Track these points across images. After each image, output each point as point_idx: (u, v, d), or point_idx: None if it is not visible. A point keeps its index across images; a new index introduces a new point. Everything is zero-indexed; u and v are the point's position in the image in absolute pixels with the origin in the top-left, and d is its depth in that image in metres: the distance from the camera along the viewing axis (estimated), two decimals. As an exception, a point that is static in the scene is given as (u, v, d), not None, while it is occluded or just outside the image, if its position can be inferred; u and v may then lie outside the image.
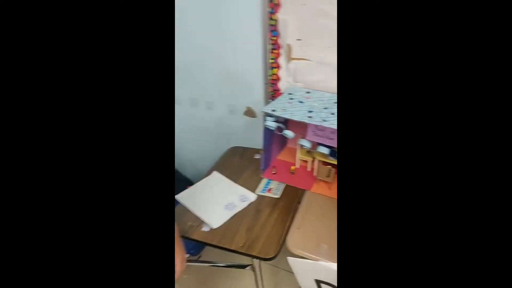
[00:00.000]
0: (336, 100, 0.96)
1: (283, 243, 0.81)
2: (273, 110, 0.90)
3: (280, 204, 0.93)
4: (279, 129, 0.92)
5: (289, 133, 0.91)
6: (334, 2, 0.90)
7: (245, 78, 1.13)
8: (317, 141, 0.89)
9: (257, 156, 1.14)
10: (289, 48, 1.03)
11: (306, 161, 1.05)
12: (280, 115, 0.88)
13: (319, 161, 0.99)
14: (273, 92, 1.13)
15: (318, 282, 0.83)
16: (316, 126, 0.84)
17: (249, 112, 1.16)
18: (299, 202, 0.94)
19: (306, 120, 0.84)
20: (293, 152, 1.10)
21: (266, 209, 0.92)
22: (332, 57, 0.99)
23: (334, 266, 0.75)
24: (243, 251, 0.81)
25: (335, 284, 0.79)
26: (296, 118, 0.86)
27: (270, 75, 1.10)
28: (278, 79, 1.10)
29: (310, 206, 0.91)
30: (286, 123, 1.00)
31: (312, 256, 0.77)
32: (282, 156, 1.13)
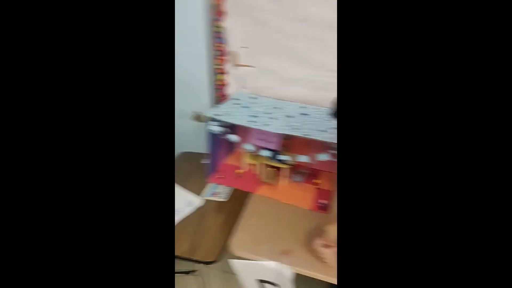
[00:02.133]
0: (276, 106, 1.01)
1: (226, 246, 0.82)
2: (217, 115, 0.92)
3: (226, 207, 0.95)
4: (224, 134, 0.94)
5: (233, 137, 0.93)
6: (277, 12, 0.95)
7: (192, 83, 1.14)
8: (259, 144, 0.93)
9: (205, 161, 1.14)
10: (234, 55, 1.06)
11: (253, 165, 1.08)
12: (224, 120, 0.90)
13: (264, 164, 1.02)
14: (220, 97, 1.14)
15: (261, 281, 0.85)
16: (258, 130, 0.87)
17: (197, 117, 1.17)
18: (245, 204, 0.96)
19: (249, 125, 0.87)
20: (241, 156, 1.12)
21: (211, 213, 0.93)
22: (276, 65, 1.04)
23: (273, 264, 0.77)
24: (185, 256, 0.80)
25: (277, 282, 0.81)
26: (239, 122, 0.89)
27: (217, 81, 1.12)
28: (225, 84, 1.12)
29: (255, 208, 0.93)
30: (232, 127, 1.03)
31: (253, 256, 0.79)
32: (231, 160, 1.15)
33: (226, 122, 0.91)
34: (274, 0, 0.94)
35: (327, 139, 0.80)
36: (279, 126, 0.87)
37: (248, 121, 0.89)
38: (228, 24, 1.01)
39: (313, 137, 0.81)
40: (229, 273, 1.32)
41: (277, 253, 0.78)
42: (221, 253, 0.81)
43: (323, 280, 0.75)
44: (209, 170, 1.03)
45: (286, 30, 0.97)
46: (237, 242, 0.82)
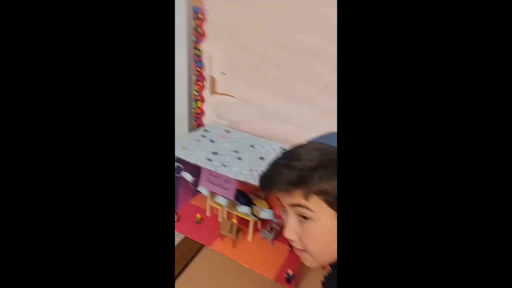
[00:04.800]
0: (252, 143, 0.84)
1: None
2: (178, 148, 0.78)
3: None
4: (177, 170, 0.79)
5: (186, 176, 0.77)
6: (261, 38, 0.81)
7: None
8: (209, 188, 0.76)
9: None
10: (212, 81, 0.93)
11: (217, 209, 0.90)
12: (176, 154, 0.75)
13: (228, 212, 0.84)
14: (197, 126, 1.01)
15: None
16: (210, 171, 0.71)
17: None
18: (193, 258, 0.78)
19: (201, 164, 0.71)
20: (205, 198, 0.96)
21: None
22: (258, 97, 0.89)
23: None
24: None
25: None
26: (190, 159, 0.73)
27: (195, 108, 0.99)
28: (202, 113, 0.99)
29: (202, 266, 0.75)
30: (188, 164, 0.88)
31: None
32: (197, 201, 0.99)
33: (179, 158, 0.76)
34: (257, 23, 0.81)
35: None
36: (238, 170, 0.70)
37: (204, 159, 0.73)
38: (207, 47, 0.90)
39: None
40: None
41: None
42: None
43: None
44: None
45: (270, 57, 0.83)
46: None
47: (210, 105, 0.96)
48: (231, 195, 0.72)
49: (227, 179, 0.72)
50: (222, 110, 0.95)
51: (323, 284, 0.54)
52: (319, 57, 0.77)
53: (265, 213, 0.69)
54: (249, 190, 0.83)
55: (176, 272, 0.71)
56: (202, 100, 0.97)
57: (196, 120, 1.01)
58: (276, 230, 0.83)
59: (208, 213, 0.91)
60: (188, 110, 1.00)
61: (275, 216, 0.70)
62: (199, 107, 0.98)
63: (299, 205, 0.43)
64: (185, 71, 0.95)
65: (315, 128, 0.84)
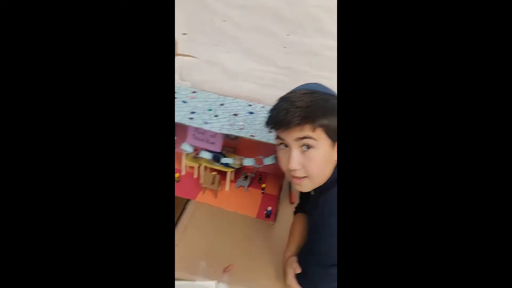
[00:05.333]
0: (221, 102, 0.91)
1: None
2: (149, 110, 0.78)
3: (159, 217, 0.81)
4: (157, 132, 0.81)
5: (168, 137, 0.80)
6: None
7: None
8: (197, 145, 0.81)
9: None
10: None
11: (193, 168, 0.96)
12: (156, 116, 0.77)
13: (205, 167, 0.91)
14: (157, 90, 1.00)
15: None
16: (196, 129, 0.76)
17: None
18: (181, 214, 0.83)
19: (186, 122, 0.75)
20: (179, 158, 0.99)
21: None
22: (221, 57, 0.93)
23: (211, 285, 0.67)
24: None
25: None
26: (175, 119, 0.76)
27: (153, 71, 0.97)
28: (162, 76, 0.98)
29: (192, 218, 0.82)
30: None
31: (188, 276, 0.68)
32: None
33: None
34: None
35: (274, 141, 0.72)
36: (221, 125, 0.77)
37: (186, 118, 0.77)
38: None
39: (259, 139, 0.73)
40: None
41: (219, 270, 0.68)
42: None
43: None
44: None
45: (232, 18, 0.87)
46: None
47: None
48: (218, 147, 0.79)
49: (213, 134, 0.78)
50: (183, 72, 0.96)
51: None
52: (280, 19, 0.86)
53: (248, 161, 0.79)
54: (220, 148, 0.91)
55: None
56: (162, 62, 0.96)
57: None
58: (250, 177, 0.94)
59: (183, 172, 0.96)
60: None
61: (256, 162, 0.80)
62: (158, 70, 0.97)
63: (306, 137, 0.54)
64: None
65: (277, 86, 0.96)
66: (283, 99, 0.58)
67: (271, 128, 0.58)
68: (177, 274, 0.68)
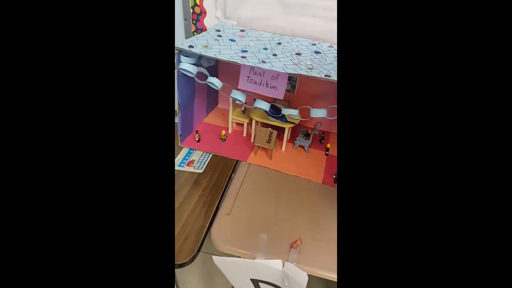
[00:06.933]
0: (279, 41, 0.72)
1: (203, 239, 0.56)
2: (191, 47, 0.62)
3: (204, 181, 0.68)
4: (201, 76, 0.64)
5: (215, 82, 0.63)
6: None
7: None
8: (252, 90, 0.64)
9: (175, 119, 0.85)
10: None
11: (242, 125, 0.80)
12: (201, 53, 0.60)
13: (257, 122, 0.75)
14: (196, 31, 0.84)
15: (256, 281, 0.62)
16: (252, 69, 0.59)
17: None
18: (230, 178, 0.69)
19: (238, 61, 0.58)
20: (225, 114, 0.84)
21: (184, 188, 0.66)
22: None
23: (278, 263, 0.53)
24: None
25: (277, 283, 0.58)
26: (223, 57, 0.59)
27: (192, 7, 0.80)
28: (203, 13, 0.81)
29: (245, 182, 0.67)
30: (212, 69, 0.73)
31: (245, 252, 0.54)
32: (211, 119, 0.87)
33: (205, 59, 0.62)
34: None
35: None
36: (284, 65, 0.59)
37: (237, 57, 0.60)
38: None
39: (336, 80, 0.54)
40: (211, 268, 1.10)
41: (284, 245, 0.54)
42: (194, 252, 0.54)
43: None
44: (180, 131, 0.74)
45: None
46: (221, 232, 0.57)
47: (215, 2, 0.78)
48: (281, 94, 0.62)
49: (274, 75, 0.60)
50: (229, 7, 0.78)
51: None
52: None
53: (319, 112, 0.61)
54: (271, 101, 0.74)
55: (219, 195, 0.63)
56: (202, -5, 0.78)
57: (195, 23, 0.82)
58: (312, 136, 0.77)
59: (230, 130, 0.81)
60: (182, 12, 0.81)
61: (328, 113, 0.63)
62: (197, 5, 0.79)
63: None
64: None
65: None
66: None
67: None
68: (232, 250, 0.55)
